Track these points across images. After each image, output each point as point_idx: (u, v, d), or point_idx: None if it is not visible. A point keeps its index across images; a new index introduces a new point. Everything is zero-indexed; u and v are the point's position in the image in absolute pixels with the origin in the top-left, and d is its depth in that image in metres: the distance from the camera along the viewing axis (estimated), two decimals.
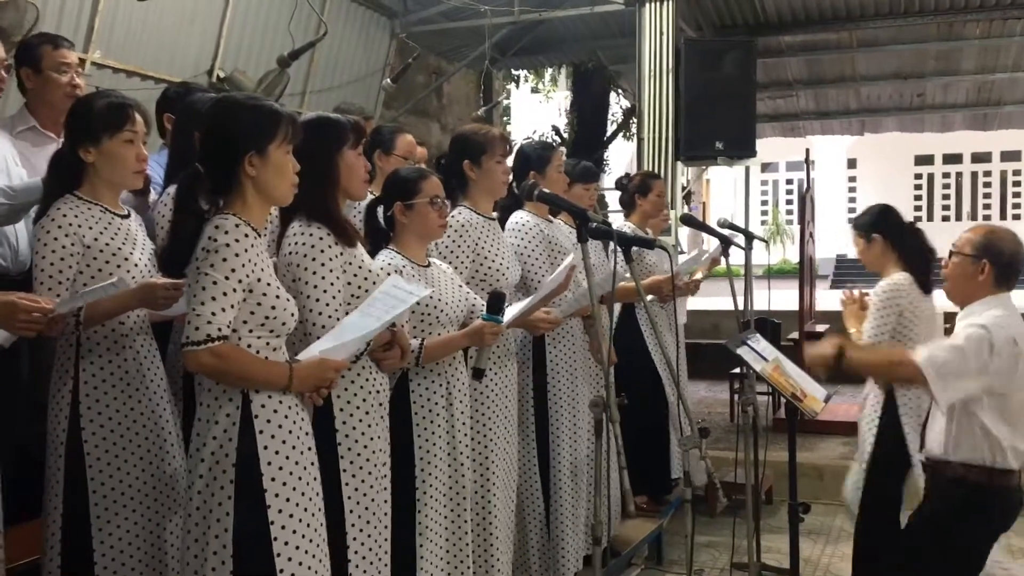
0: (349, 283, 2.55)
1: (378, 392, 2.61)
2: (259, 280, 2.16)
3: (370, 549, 2.53)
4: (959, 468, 2.99)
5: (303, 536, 2.17)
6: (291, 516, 2.15)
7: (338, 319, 2.46)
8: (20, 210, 3.04)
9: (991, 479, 2.95)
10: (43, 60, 3.35)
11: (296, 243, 2.50)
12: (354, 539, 2.50)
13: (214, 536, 2.10)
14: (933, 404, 3.12)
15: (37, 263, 2.53)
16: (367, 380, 2.58)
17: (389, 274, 2.77)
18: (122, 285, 2.49)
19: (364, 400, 2.56)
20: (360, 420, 2.54)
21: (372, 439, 2.56)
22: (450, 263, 3.13)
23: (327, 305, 2.47)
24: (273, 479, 2.13)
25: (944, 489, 3.05)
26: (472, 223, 3.25)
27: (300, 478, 2.19)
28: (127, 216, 2.72)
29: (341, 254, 2.52)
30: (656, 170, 7.00)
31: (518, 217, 3.63)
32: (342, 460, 2.50)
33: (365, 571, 2.52)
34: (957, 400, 2.94)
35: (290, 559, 2.13)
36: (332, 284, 2.49)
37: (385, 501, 2.61)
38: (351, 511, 2.50)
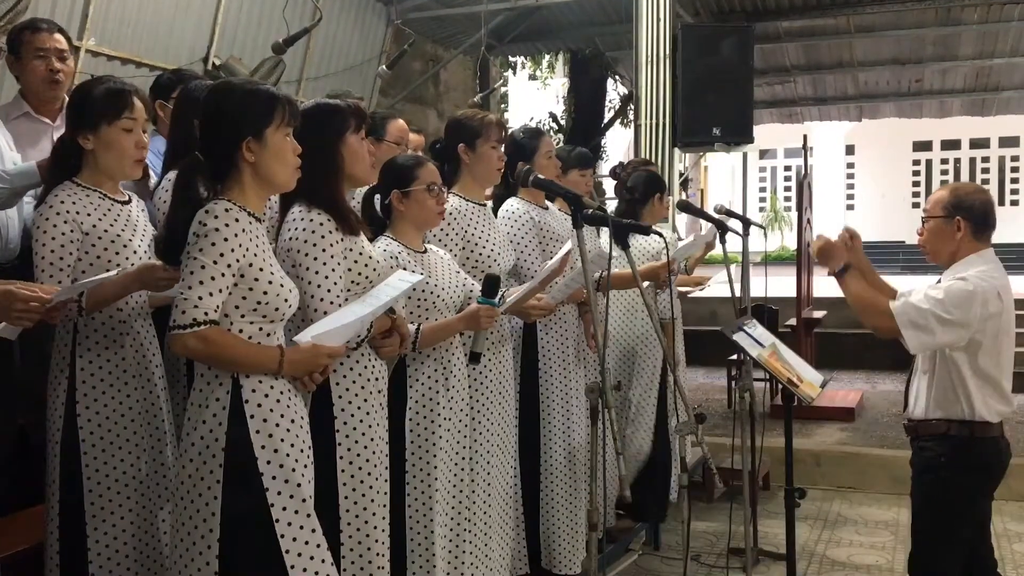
0: (349, 270, 2.54)
1: (377, 379, 2.61)
2: (251, 265, 2.15)
3: (367, 535, 2.52)
4: (940, 425, 3.01)
5: (307, 515, 2.17)
6: (291, 496, 2.15)
7: (339, 306, 2.46)
8: (16, 194, 3.03)
9: (972, 432, 2.98)
10: (22, 46, 3.35)
11: (296, 228, 2.49)
12: (348, 524, 2.50)
13: (202, 520, 2.11)
14: (913, 367, 3.15)
15: (37, 251, 2.53)
16: (365, 367, 2.57)
17: (386, 261, 2.77)
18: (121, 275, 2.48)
19: (363, 388, 2.55)
20: (359, 408, 2.54)
21: (370, 427, 2.55)
22: None
23: (328, 291, 2.46)
24: (269, 462, 2.13)
25: (928, 448, 3.07)
26: (461, 210, 3.25)
27: (296, 459, 2.19)
28: (128, 202, 2.70)
29: (341, 240, 2.52)
30: (653, 156, 7.00)
31: (509, 205, 3.62)
32: (339, 447, 2.50)
33: (360, 554, 2.51)
34: (930, 348, 2.97)
35: (295, 539, 2.14)
36: (333, 270, 2.48)
37: (384, 491, 2.60)
38: (346, 497, 2.50)
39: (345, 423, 2.51)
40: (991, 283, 2.93)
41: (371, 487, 2.54)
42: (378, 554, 2.55)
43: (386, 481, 2.61)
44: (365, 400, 2.55)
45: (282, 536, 2.12)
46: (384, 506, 2.60)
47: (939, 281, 3.07)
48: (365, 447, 2.53)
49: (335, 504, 2.48)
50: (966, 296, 2.88)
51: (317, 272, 2.45)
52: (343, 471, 2.50)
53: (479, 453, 3.15)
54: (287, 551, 2.12)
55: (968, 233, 3.01)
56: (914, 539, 3.15)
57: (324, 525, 2.34)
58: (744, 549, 3.88)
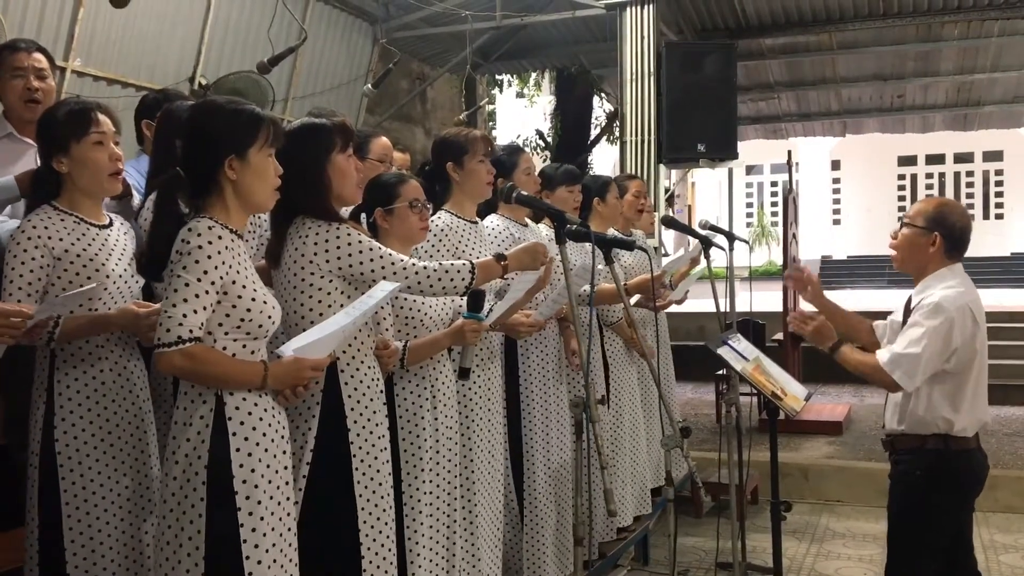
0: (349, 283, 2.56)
1: (380, 391, 2.61)
2: (234, 282, 2.15)
3: (382, 545, 2.52)
4: (915, 439, 3.04)
5: (271, 539, 2.16)
6: (261, 519, 2.14)
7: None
8: None
9: (947, 444, 3.00)
10: (1, 66, 3.34)
11: (330, 239, 2.47)
12: (366, 536, 2.50)
13: (187, 538, 2.10)
14: None
15: (6, 274, 2.51)
16: (373, 379, 2.57)
17: None
18: (99, 291, 2.48)
19: (372, 400, 2.55)
20: (368, 420, 2.53)
21: (375, 427, 2.55)
22: None
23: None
24: (244, 481, 2.13)
25: (905, 462, 3.10)
26: (452, 226, 3.25)
27: (271, 481, 2.18)
28: (108, 225, 2.68)
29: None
30: (639, 172, 7.04)
31: (489, 221, 3.62)
32: (354, 459, 2.49)
33: (377, 565, 2.51)
34: (921, 382, 3.01)
35: (259, 562, 2.13)
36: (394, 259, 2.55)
37: (390, 496, 2.59)
38: (362, 508, 2.49)
39: (358, 435, 2.51)
40: (960, 301, 2.96)
41: (379, 488, 2.53)
42: (392, 563, 2.55)
43: (391, 487, 2.61)
44: (375, 412, 2.55)
45: (247, 558, 2.11)
46: (392, 513, 2.59)
47: (910, 300, 3.09)
48: (370, 450, 2.52)
49: (353, 515, 2.47)
50: (945, 327, 2.92)
51: (383, 267, 2.51)
52: (358, 482, 2.49)
53: (468, 469, 3.15)
54: (250, 573, 2.11)
55: (941, 249, 3.04)
56: (890, 550, 3.18)
57: (343, 533, 2.35)
58: (732, 564, 3.88)
